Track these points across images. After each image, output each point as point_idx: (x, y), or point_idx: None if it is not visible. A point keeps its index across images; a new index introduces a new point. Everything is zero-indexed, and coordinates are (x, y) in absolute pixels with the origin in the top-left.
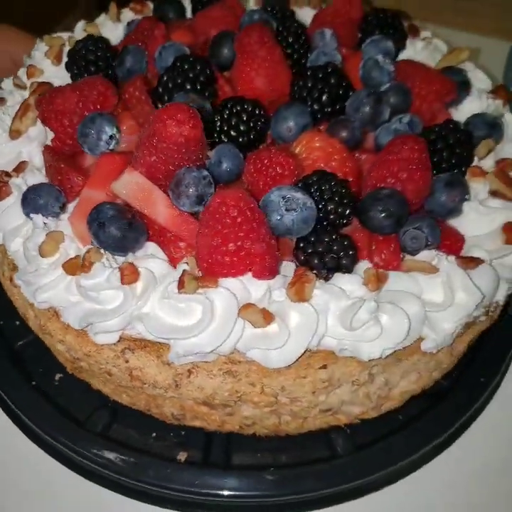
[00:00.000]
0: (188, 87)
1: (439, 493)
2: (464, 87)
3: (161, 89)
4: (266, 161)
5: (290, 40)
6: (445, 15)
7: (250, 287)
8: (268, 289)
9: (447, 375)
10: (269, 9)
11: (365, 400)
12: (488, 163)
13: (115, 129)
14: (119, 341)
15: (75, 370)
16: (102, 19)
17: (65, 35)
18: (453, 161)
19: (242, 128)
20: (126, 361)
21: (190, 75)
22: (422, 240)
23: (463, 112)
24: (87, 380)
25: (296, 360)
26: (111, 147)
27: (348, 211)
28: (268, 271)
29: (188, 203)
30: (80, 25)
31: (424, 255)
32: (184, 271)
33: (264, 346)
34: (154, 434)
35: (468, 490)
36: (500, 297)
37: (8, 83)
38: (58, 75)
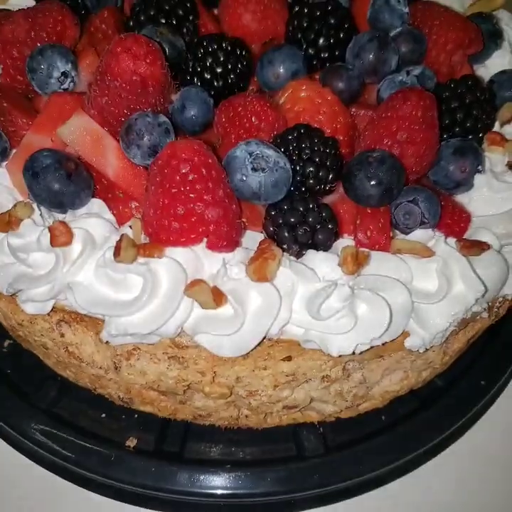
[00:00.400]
0: (162, 21)
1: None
2: (493, 37)
3: (131, 23)
4: (240, 110)
5: None
6: None
7: (203, 260)
8: (224, 263)
9: (443, 375)
10: None
11: (338, 398)
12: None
13: (70, 65)
14: (53, 311)
15: (17, 338)
16: None
17: None
18: (468, 125)
19: (217, 70)
20: (62, 335)
21: (166, 8)
22: (416, 216)
23: (491, 67)
24: (31, 350)
25: (252, 349)
26: (64, 86)
27: (331, 176)
28: (225, 241)
29: (139, 153)
30: None
31: (420, 235)
32: (123, 236)
33: (215, 331)
34: (103, 415)
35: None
36: (510, 291)
37: None
38: (27, 3)
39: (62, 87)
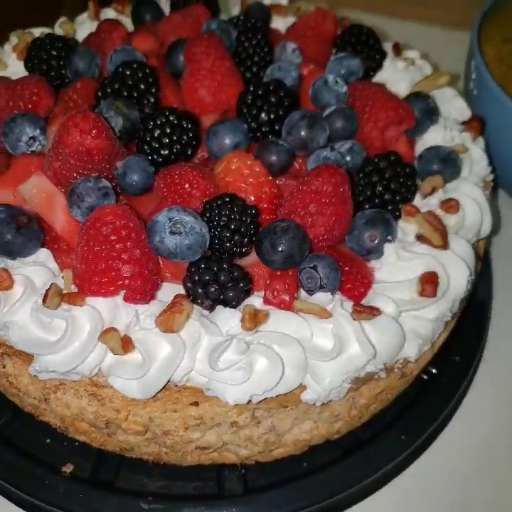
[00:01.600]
0: (125, 93)
1: None
2: (428, 114)
3: (100, 94)
4: (176, 178)
5: (250, 51)
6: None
7: (121, 310)
8: (137, 314)
9: (368, 427)
10: (250, 19)
11: (249, 443)
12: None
13: (38, 131)
14: None
15: None
16: (82, 18)
17: (37, 31)
18: (386, 197)
19: (164, 140)
20: (4, 366)
21: (129, 82)
22: (316, 281)
23: (427, 141)
24: None
25: (158, 392)
26: (32, 148)
27: (245, 240)
28: (139, 295)
29: (79, 213)
30: (58, 22)
31: (321, 297)
32: (52, 285)
33: (124, 374)
34: (48, 440)
35: None
36: (412, 354)
37: None
38: (22, 71)
39: (30, 149)
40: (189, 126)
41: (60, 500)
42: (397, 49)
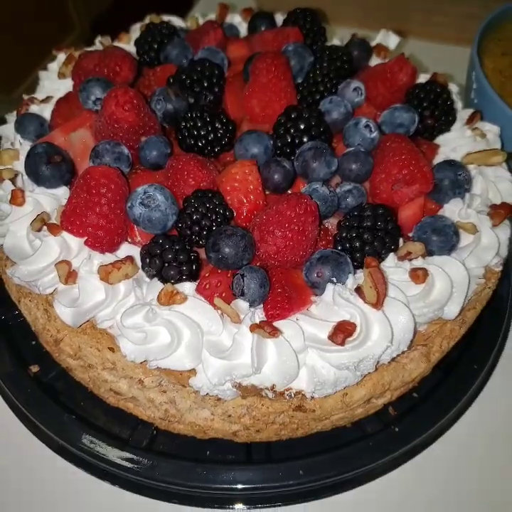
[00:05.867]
0: (188, 85)
1: None
2: (453, 186)
3: (171, 80)
4: (180, 164)
5: (318, 79)
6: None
7: (80, 249)
8: (89, 257)
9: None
10: (339, 51)
11: (151, 405)
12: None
13: (105, 94)
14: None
15: None
16: (210, 17)
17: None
18: (356, 244)
19: (192, 132)
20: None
21: (194, 77)
22: (240, 288)
23: (444, 211)
24: None
25: (81, 325)
26: (96, 108)
27: (203, 233)
28: (98, 244)
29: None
30: (189, 16)
31: (240, 304)
32: (42, 212)
33: (62, 301)
34: None
35: None
36: (307, 389)
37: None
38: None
39: (94, 108)
40: (218, 126)
41: None
42: (471, 118)
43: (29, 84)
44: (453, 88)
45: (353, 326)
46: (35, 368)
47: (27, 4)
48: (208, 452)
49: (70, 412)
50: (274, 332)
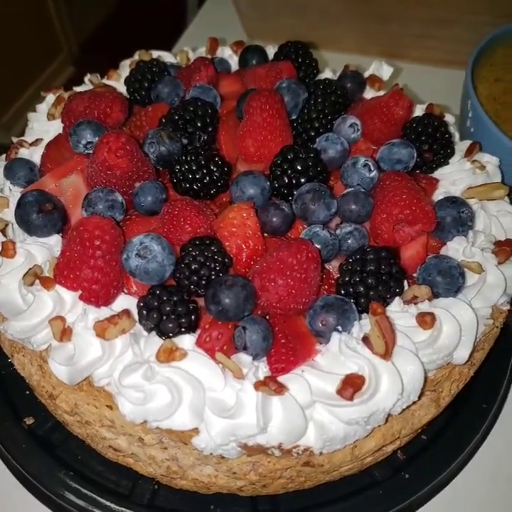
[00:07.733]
0: (181, 125)
1: None
2: (456, 224)
3: (163, 120)
4: (176, 210)
5: (313, 115)
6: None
7: (75, 304)
8: (84, 312)
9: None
10: (331, 85)
11: (153, 463)
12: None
13: (96, 138)
14: None
15: None
16: (201, 50)
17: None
18: (359, 289)
19: (187, 176)
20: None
21: (187, 117)
22: (242, 341)
23: (447, 250)
24: None
25: (78, 384)
26: (88, 151)
27: (202, 283)
28: (93, 298)
29: (86, 216)
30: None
31: (243, 358)
32: (34, 266)
33: (57, 359)
34: None
35: None
36: (316, 445)
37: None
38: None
39: (86, 151)
40: (213, 168)
41: None
42: (470, 150)
43: (17, 109)
44: (449, 119)
45: (362, 378)
46: (29, 421)
47: (13, 27)
48: (212, 506)
49: (68, 468)
50: (280, 389)
